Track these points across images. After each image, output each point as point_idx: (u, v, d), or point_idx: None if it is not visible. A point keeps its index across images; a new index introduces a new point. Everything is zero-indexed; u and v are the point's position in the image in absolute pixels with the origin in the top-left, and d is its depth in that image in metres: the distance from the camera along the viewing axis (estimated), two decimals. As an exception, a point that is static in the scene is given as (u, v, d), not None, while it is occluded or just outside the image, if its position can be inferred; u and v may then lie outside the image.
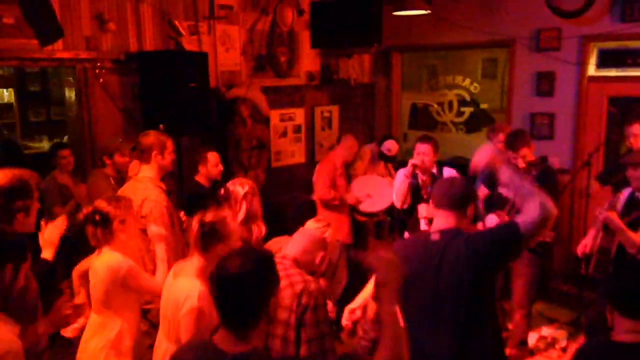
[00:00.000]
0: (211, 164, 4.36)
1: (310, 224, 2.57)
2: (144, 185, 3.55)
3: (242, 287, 1.71)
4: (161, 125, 4.45)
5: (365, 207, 5.30)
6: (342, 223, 5.02)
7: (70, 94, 4.92)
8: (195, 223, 2.60)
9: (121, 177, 4.13)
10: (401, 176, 4.17)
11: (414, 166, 4.07)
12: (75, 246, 3.25)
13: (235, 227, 2.74)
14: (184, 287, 2.52)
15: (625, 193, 3.85)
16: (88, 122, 4.64)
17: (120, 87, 4.77)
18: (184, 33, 5.02)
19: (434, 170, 4.15)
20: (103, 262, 2.82)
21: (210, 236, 2.56)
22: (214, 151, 4.42)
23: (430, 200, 2.56)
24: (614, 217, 3.55)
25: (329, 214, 4.89)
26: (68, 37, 4.31)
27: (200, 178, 4.35)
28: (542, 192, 2.28)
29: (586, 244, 3.94)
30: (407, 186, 4.12)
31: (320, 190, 5.04)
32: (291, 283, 2.28)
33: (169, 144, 3.74)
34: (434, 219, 2.49)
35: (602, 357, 2.17)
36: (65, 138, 6.36)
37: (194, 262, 2.61)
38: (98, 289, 2.83)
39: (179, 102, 4.63)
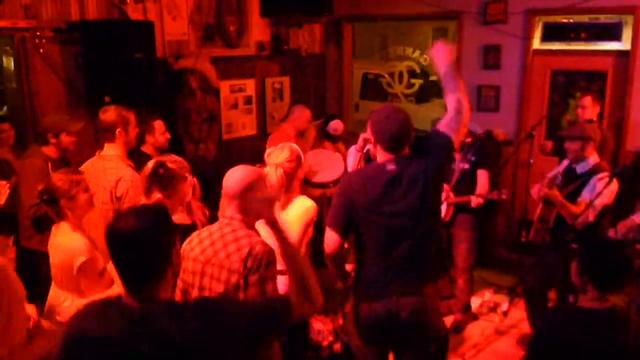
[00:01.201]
0: (158, 132, 4.28)
1: (232, 172, 2.46)
2: (115, 164, 3.42)
3: (138, 246, 1.69)
4: (106, 98, 4.34)
5: (317, 178, 5.33)
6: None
7: (8, 64, 4.70)
8: (151, 163, 2.54)
9: (62, 160, 3.92)
10: (353, 151, 4.21)
11: (365, 140, 4.10)
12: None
13: (187, 189, 2.70)
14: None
15: (563, 164, 4.03)
16: (28, 94, 4.46)
17: (62, 58, 4.58)
18: (128, 1, 4.85)
19: None
20: (60, 243, 2.73)
21: (161, 180, 2.53)
22: (159, 119, 4.34)
23: (372, 136, 2.71)
24: (556, 194, 3.72)
25: None
26: (6, 4, 4.11)
27: (147, 148, 4.26)
28: (464, 92, 2.73)
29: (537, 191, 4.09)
30: (359, 159, 4.15)
31: None
32: (238, 247, 2.30)
33: (132, 118, 3.61)
34: (379, 155, 2.68)
35: (570, 322, 2.35)
36: (4, 109, 6.10)
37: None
38: (55, 268, 2.75)
39: (124, 73, 4.49)
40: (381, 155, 2.69)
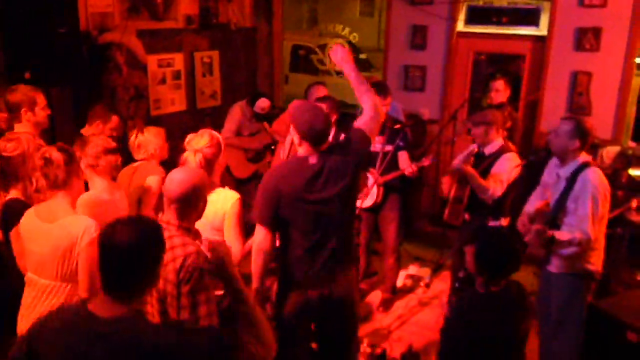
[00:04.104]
0: (110, 126, 4.12)
1: (175, 174, 2.42)
2: (24, 141, 3.34)
3: (128, 259, 1.75)
4: (27, 74, 4.16)
5: None
6: None
7: None
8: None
9: None
10: (288, 142, 4.19)
11: None
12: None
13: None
14: (76, 223, 2.56)
15: (473, 146, 4.26)
16: (-61, 70, 4.20)
17: (-25, 31, 4.32)
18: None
19: None
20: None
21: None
22: (117, 116, 4.21)
23: (296, 133, 2.84)
24: (468, 168, 3.96)
25: None
26: None
27: (89, 132, 4.10)
28: (374, 93, 3.00)
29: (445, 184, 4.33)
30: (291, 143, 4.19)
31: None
32: (173, 257, 2.27)
33: (40, 99, 3.61)
34: (302, 149, 2.83)
35: (471, 304, 2.68)
36: None
37: (61, 201, 2.61)
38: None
39: (45, 48, 4.30)
40: (304, 149, 2.84)
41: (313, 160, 2.78)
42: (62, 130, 4.31)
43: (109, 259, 1.76)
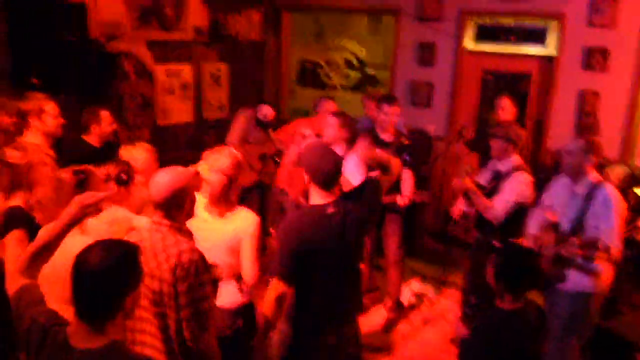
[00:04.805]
0: (105, 123, 4.12)
1: (159, 177, 2.39)
2: (30, 152, 3.35)
3: (100, 283, 1.70)
4: (34, 80, 4.18)
5: None
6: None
7: None
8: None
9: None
10: (294, 150, 4.16)
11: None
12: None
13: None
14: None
15: (492, 164, 4.23)
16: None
17: (-14, 37, 4.34)
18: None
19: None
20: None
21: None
22: (106, 109, 4.18)
23: (306, 175, 2.77)
24: (469, 184, 3.92)
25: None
26: None
27: (91, 138, 4.13)
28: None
29: (457, 208, 4.30)
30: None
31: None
32: (167, 257, 2.27)
33: (49, 108, 3.62)
34: (314, 196, 2.75)
35: (497, 323, 2.60)
36: None
37: None
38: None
39: (54, 55, 4.34)
40: (316, 194, 2.75)
41: (330, 209, 2.70)
42: (68, 138, 4.29)
43: (80, 283, 1.71)
